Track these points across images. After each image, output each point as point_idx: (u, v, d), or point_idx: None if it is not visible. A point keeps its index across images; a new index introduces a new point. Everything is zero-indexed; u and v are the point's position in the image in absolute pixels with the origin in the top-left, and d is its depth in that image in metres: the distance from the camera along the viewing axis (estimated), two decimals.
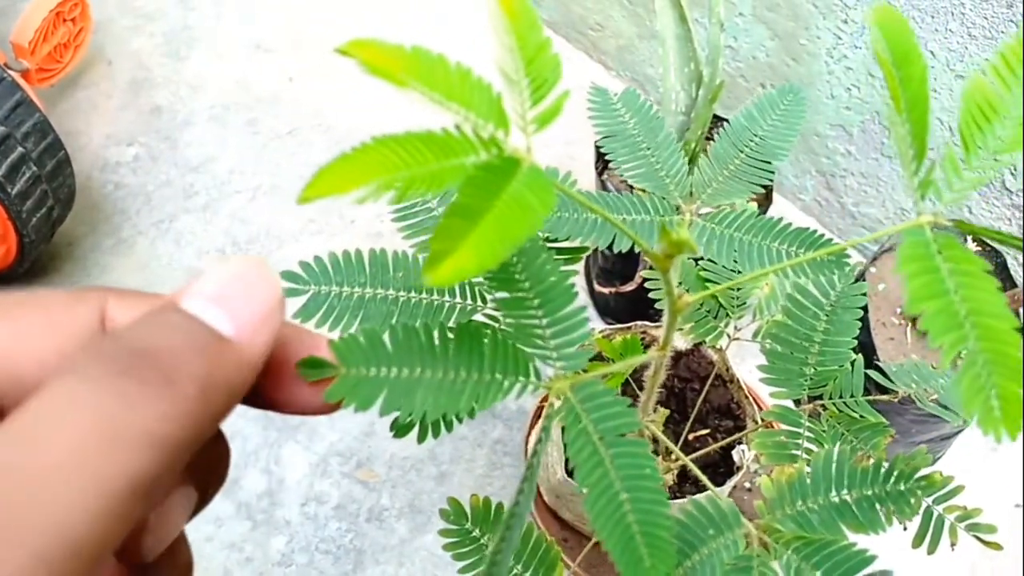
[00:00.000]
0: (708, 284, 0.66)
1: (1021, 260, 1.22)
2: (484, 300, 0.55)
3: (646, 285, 0.70)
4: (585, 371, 0.36)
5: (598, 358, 0.82)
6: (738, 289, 0.71)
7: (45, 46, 1.37)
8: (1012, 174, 1.14)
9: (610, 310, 1.33)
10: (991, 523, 0.54)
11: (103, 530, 0.21)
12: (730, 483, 0.85)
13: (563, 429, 0.36)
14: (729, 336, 0.73)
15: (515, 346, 0.34)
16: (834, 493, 0.48)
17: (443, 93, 0.26)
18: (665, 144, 0.61)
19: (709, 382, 0.94)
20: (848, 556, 0.45)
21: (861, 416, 0.63)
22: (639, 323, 0.94)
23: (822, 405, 0.64)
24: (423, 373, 0.31)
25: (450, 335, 0.32)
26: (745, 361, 1.16)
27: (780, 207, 1.46)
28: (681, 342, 0.97)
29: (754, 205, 0.60)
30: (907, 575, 0.56)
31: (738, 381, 0.95)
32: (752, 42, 1.34)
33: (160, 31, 1.68)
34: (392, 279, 0.54)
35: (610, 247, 0.56)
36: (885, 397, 0.67)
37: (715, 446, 0.88)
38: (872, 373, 0.67)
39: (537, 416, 1.07)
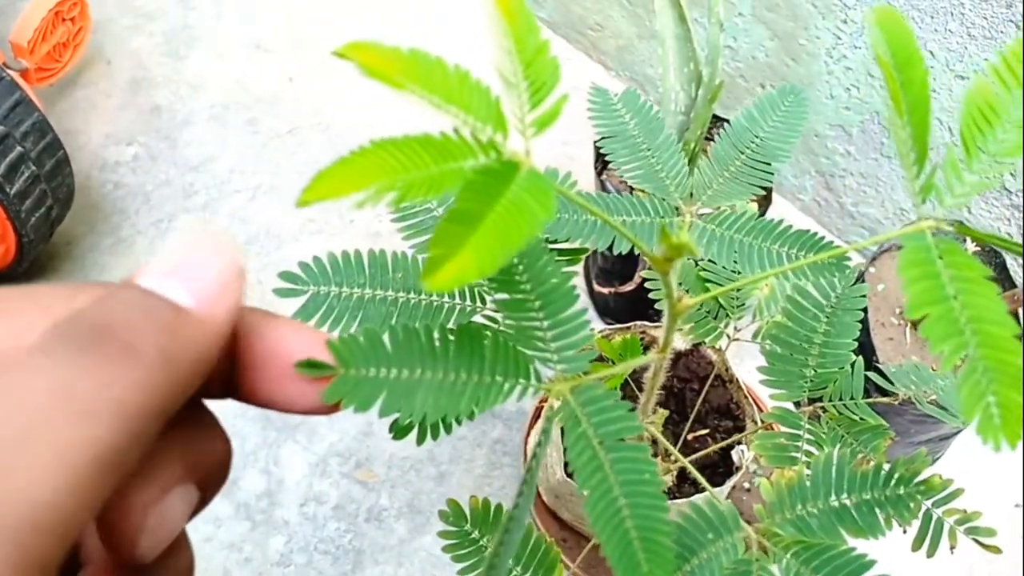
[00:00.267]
0: (708, 285, 0.66)
1: (1020, 261, 1.22)
2: (483, 301, 0.55)
3: (645, 285, 0.70)
4: (586, 373, 0.36)
5: (597, 359, 0.82)
6: (738, 290, 0.71)
7: (44, 45, 1.37)
8: (1012, 175, 1.14)
9: (609, 310, 1.33)
10: (990, 526, 0.54)
11: (70, 502, 0.21)
12: (729, 483, 0.85)
13: (562, 431, 0.35)
14: (729, 337, 0.73)
15: (516, 348, 0.34)
16: (834, 497, 0.48)
17: (441, 96, 0.26)
18: (665, 145, 0.61)
19: (708, 382, 0.94)
20: (848, 561, 0.44)
21: (861, 418, 0.62)
22: (638, 323, 0.94)
23: (822, 407, 0.63)
24: (423, 374, 0.31)
25: (450, 336, 0.32)
26: (744, 361, 1.16)
27: (779, 207, 1.45)
28: (680, 342, 0.97)
29: (754, 206, 0.60)
30: None
31: (737, 381, 0.95)
32: (751, 42, 1.34)
33: (160, 30, 1.68)
34: (391, 280, 0.54)
35: (610, 248, 0.56)
36: (886, 400, 0.67)
37: (714, 447, 0.88)
38: (872, 375, 0.67)
39: (536, 416, 1.07)
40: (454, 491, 1.22)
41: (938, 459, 1.20)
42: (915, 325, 1.11)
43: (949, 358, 0.27)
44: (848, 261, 0.57)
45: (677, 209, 0.59)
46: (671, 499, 0.85)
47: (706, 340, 0.71)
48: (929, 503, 0.52)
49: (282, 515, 1.20)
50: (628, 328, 0.93)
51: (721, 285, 0.64)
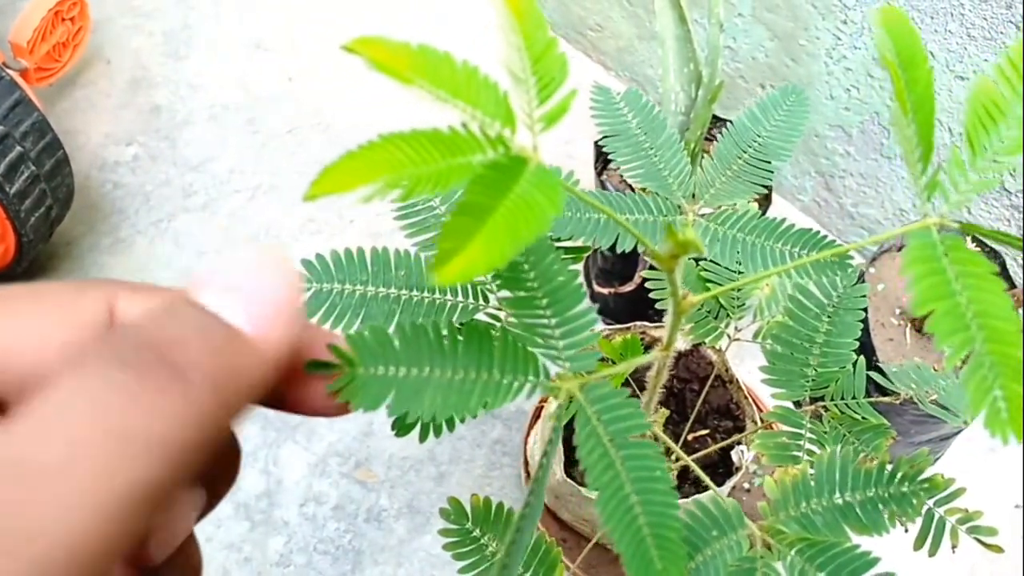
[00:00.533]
0: (709, 285, 0.66)
1: (1021, 260, 1.22)
2: (487, 299, 0.55)
3: (646, 285, 0.70)
4: (592, 372, 0.36)
5: (601, 359, 0.82)
6: (739, 289, 0.71)
7: (44, 45, 1.37)
8: (1012, 175, 1.14)
9: (609, 310, 1.33)
10: (992, 526, 0.54)
11: (107, 537, 0.20)
12: (729, 483, 0.85)
13: (555, 429, 0.35)
14: (729, 337, 0.73)
15: (524, 346, 0.33)
16: (838, 495, 0.48)
17: (449, 91, 0.26)
18: (668, 144, 0.61)
19: (708, 383, 0.94)
20: (852, 558, 0.44)
21: (863, 418, 0.62)
22: (638, 323, 0.94)
23: (823, 406, 0.63)
24: (432, 373, 0.31)
25: (459, 334, 0.32)
26: (744, 362, 1.16)
27: (779, 207, 1.46)
28: (680, 342, 0.97)
29: (754, 206, 0.60)
30: None
31: (737, 382, 0.95)
32: (751, 43, 1.34)
33: (159, 30, 1.68)
34: (394, 277, 0.54)
35: (611, 247, 0.56)
36: (887, 399, 0.67)
37: (715, 447, 0.88)
38: (872, 374, 0.67)
39: (536, 416, 1.07)
40: (454, 491, 1.22)
41: (938, 459, 1.20)
42: (915, 325, 1.11)
43: (955, 353, 0.27)
44: (850, 260, 0.57)
45: (679, 208, 0.59)
46: None
47: (706, 340, 0.71)
48: (931, 502, 0.52)
49: (282, 515, 1.20)
50: (628, 328, 0.93)
51: (721, 285, 0.64)
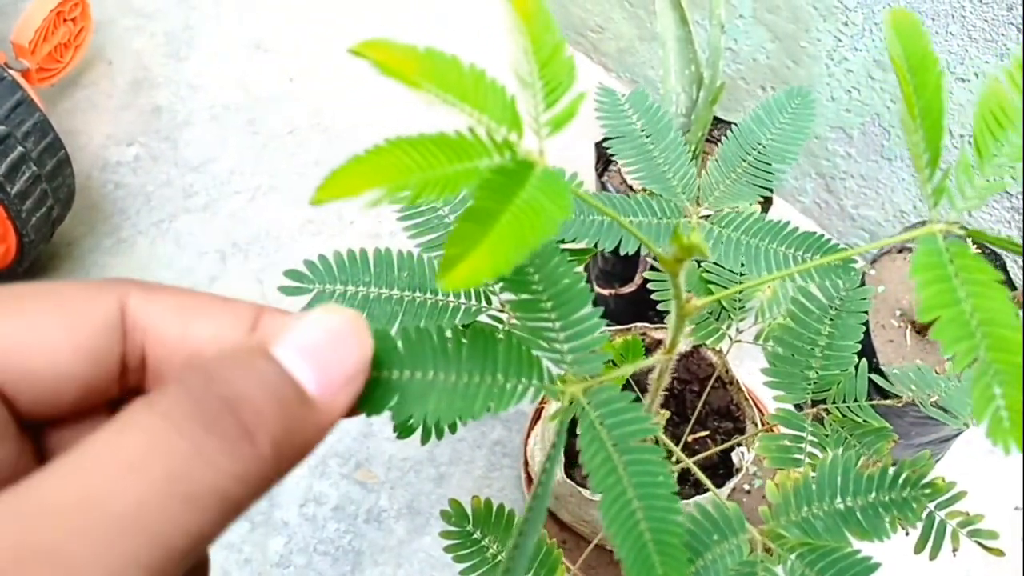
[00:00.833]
0: (711, 287, 0.66)
1: (1021, 263, 1.22)
2: (489, 301, 0.55)
3: (647, 287, 0.70)
4: (595, 375, 0.36)
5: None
6: (740, 292, 0.71)
7: (45, 46, 1.37)
8: (1012, 177, 1.14)
9: (610, 312, 1.33)
10: (992, 529, 0.54)
11: None
12: (729, 485, 0.85)
13: (559, 433, 0.35)
14: (730, 338, 0.73)
15: (528, 349, 0.33)
16: (839, 500, 0.48)
17: (456, 95, 0.26)
18: (673, 146, 0.61)
19: (709, 384, 0.94)
20: (853, 563, 0.44)
21: (864, 420, 0.62)
22: (639, 324, 0.94)
23: (825, 409, 0.63)
24: (436, 376, 0.31)
25: (463, 337, 0.32)
26: (744, 363, 1.16)
27: (780, 209, 1.46)
28: (681, 344, 0.97)
29: (756, 208, 0.60)
30: None
31: (738, 383, 0.95)
32: (752, 44, 1.34)
33: (160, 31, 1.68)
34: (397, 278, 0.54)
35: (613, 250, 0.56)
36: (889, 402, 0.67)
37: (715, 449, 0.88)
38: (873, 377, 0.67)
39: (536, 418, 1.07)
40: (453, 492, 1.21)
41: (938, 461, 1.20)
42: (915, 327, 1.11)
43: (960, 361, 0.27)
44: (854, 263, 0.57)
45: (682, 210, 0.59)
46: None
47: (707, 342, 0.70)
48: (932, 505, 0.52)
49: (281, 516, 1.20)
50: (629, 330, 0.93)
51: (724, 287, 0.64)
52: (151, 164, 1.51)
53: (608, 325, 1.30)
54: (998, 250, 1.14)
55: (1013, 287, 1.13)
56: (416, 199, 0.24)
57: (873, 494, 0.48)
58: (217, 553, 1.17)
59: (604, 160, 1.20)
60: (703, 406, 0.97)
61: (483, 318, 0.54)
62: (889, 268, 1.15)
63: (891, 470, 0.49)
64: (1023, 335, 0.27)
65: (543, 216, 0.24)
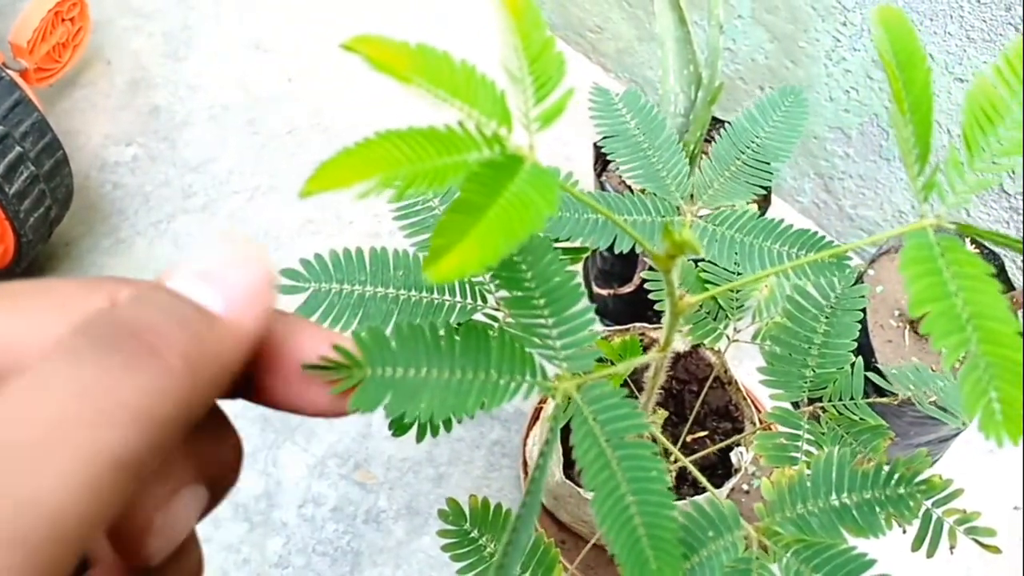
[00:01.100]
0: (708, 285, 0.66)
1: (1020, 263, 1.22)
2: (485, 299, 0.55)
3: (645, 287, 0.70)
4: (589, 372, 0.36)
5: (598, 360, 0.82)
6: (737, 291, 0.71)
7: (44, 45, 1.37)
8: (1011, 177, 1.15)
9: (608, 312, 1.33)
10: (990, 526, 0.54)
11: (85, 511, 0.20)
12: (728, 485, 0.85)
13: (563, 430, 0.35)
14: (728, 338, 0.73)
15: (521, 346, 0.33)
16: (834, 496, 0.48)
17: (447, 90, 0.26)
18: (667, 145, 0.61)
19: (707, 384, 0.94)
20: (848, 560, 0.44)
21: (861, 419, 0.62)
22: (638, 325, 0.94)
23: (822, 407, 0.63)
24: (429, 373, 0.31)
25: (456, 334, 0.32)
26: (743, 363, 1.16)
27: (778, 209, 1.46)
28: (680, 344, 0.97)
29: (754, 207, 0.60)
30: None
31: (736, 383, 0.95)
32: (751, 44, 1.34)
33: (159, 31, 1.68)
34: (392, 277, 0.54)
35: (610, 248, 0.56)
36: (885, 400, 0.67)
37: (713, 448, 0.88)
38: (871, 376, 0.67)
39: (535, 418, 1.07)
40: (452, 492, 1.21)
41: (937, 461, 1.20)
42: (914, 327, 1.11)
43: (951, 354, 0.27)
44: (848, 261, 0.57)
45: (678, 209, 0.59)
46: None
47: (705, 341, 0.70)
48: (929, 503, 0.52)
49: (280, 516, 1.20)
50: (627, 330, 0.93)
51: (720, 286, 0.64)
52: (150, 164, 1.51)
53: (607, 325, 1.31)
54: (996, 250, 1.14)
55: (1012, 287, 1.13)
56: (405, 191, 0.24)
57: (868, 491, 0.48)
58: (216, 554, 1.17)
59: (602, 160, 1.20)
60: (702, 406, 0.97)
61: (478, 316, 0.55)
62: (888, 268, 1.15)
63: (885, 467, 0.49)
64: (1014, 329, 0.27)
65: (531, 210, 0.24)
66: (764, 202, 1.19)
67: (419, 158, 0.24)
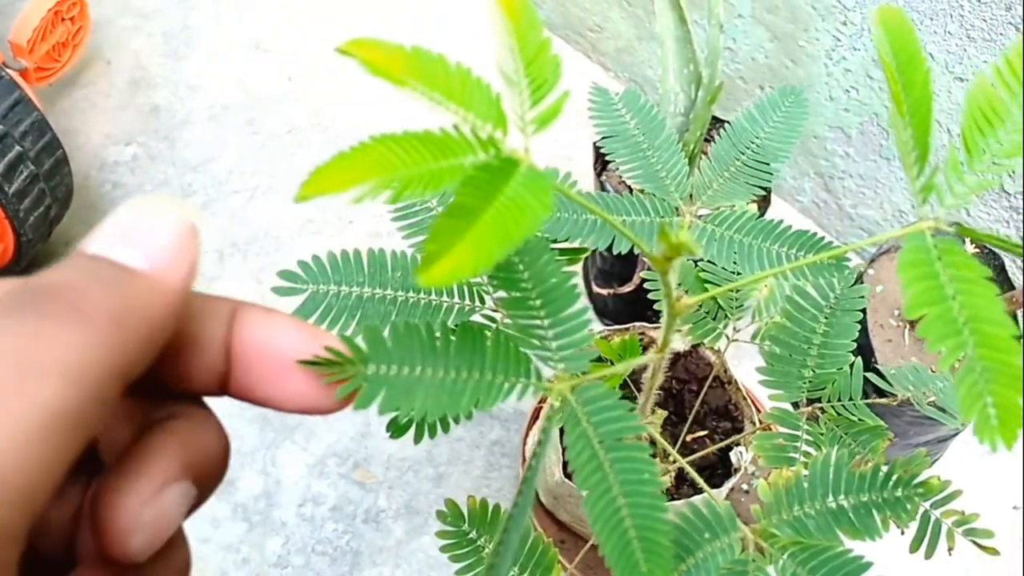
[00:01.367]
0: (708, 286, 0.66)
1: (1019, 263, 1.22)
2: (483, 300, 0.55)
3: (645, 287, 0.70)
4: (585, 373, 0.36)
5: (597, 359, 0.82)
6: (737, 291, 0.71)
7: (43, 45, 1.37)
8: (1011, 177, 1.14)
9: (608, 312, 1.33)
10: (988, 528, 0.54)
11: (27, 470, 0.20)
12: (727, 485, 0.85)
13: (561, 431, 0.35)
14: (728, 338, 0.73)
15: (516, 346, 0.33)
16: (831, 498, 0.48)
17: (442, 93, 0.26)
18: (666, 145, 0.61)
19: (707, 384, 0.94)
20: (844, 562, 0.44)
21: (860, 419, 0.62)
22: (637, 324, 0.94)
23: (821, 408, 0.63)
24: (423, 372, 0.31)
25: (451, 334, 0.32)
26: (743, 363, 1.16)
27: (778, 209, 1.45)
28: (679, 343, 0.97)
29: (753, 207, 0.60)
30: None
31: (736, 383, 0.94)
32: (751, 44, 1.34)
33: (159, 30, 1.68)
34: (391, 279, 0.54)
35: (609, 248, 0.56)
36: (884, 400, 0.67)
37: (713, 448, 0.88)
38: (870, 376, 0.67)
39: (535, 418, 1.07)
40: (452, 492, 1.21)
41: (936, 461, 1.20)
42: (914, 327, 1.11)
43: (947, 358, 0.27)
44: (847, 261, 0.57)
45: (677, 209, 0.59)
46: (669, 501, 0.85)
47: (705, 341, 0.70)
48: (927, 504, 0.52)
49: (280, 516, 1.20)
50: (627, 329, 0.93)
51: (720, 286, 0.64)
52: (149, 164, 1.51)
53: (606, 325, 1.31)
54: (996, 250, 1.14)
55: (1012, 287, 1.13)
56: (400, 196, 0.24)
57: (865, 493, 0.48)
58: (215, 553, 1.17)
59: (602, 160, 1.20)
60: (701, 405, 0.97)
61: (477, 318, 0.54)
62: (887, 268, 1.15)
63: (883, 469, 0.49)
64: (1010, 333, 0.27)
65: (526, 213, 0.24)
66: (764, 202, 1.19)
67: (414, 162, 0.24)
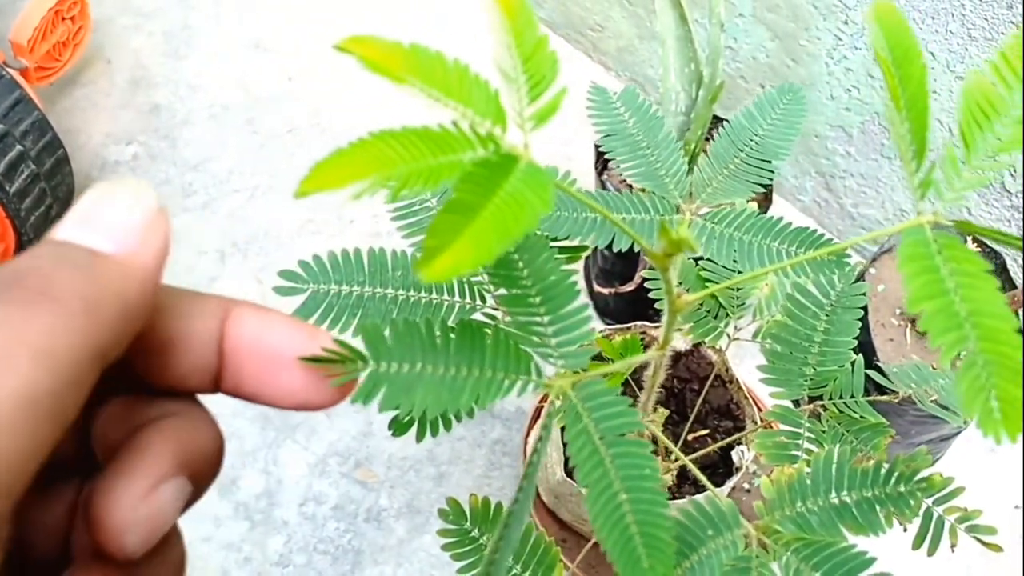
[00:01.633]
0: (708, 284, 0.66)
1: (1021, 261, 1.22)
2: (484, 299, 0.55)
3: (646, 286, 0.70)
4: (586, 370, 0.36)
5: (598, 358, 0.82)
6: (738, 289, 0.71)
7: (44, 44, 1.37)
8: (1012, 175, 1.14)
9: (609, 311, 1.33)
10: (991, 525, 0.54)
11: (3, 454, 0.20)
12: (729, 484, 0.85)
13: (562, 429, 0.35)
14: (729, 336, 0.73)
15: (516, 344, 0.33)
16: (834, 494, 0.48)
17: (441, 89, 0.26)
18: (665, 143, 0.61)
19: (709, 383, 0.94)
20: (847, 558, 0.44)
21: (861, 417, 0.62)
22: (639, 323, 0.94)
23: (822, 405, 0.63)
24: (423, 369, 0.31)
25: (451, 332, 0.32)
26: (744, 361, 1.16)
27: (779, 208, 1.45)
28: (681, 342, 0.97)
29: (754, 205, 0.60)
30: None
31: (737, 382, 0.94)
32: (752, 43, 1.34)
33: (159, 30, 1.68)
34: (391, 278, 0.54)
35: (609, 247, 0.56)
36: (885, 398, 0.67)
37: (714, 446, 0.88)
38: (872, 374, 0.67)
39: (536, 416, 1.07)
40: (453, 491, 1.21)
41: (938, 459, 1.20)
42: (916, 325, 1.11)
43: (949, 352, 0.27)
44: (847, 258, 0.57)
45: (677, 207, 0.59)
46: (671, 499, 0.85)
47: (706, 340, 0.70)
48: (930, 501, 0.52)
49: (281, 515, 1.20)
50: (628, 328, 0.93)
51: (721, 284, 0.64)
52: (150, 163, 1.51)
53: (608, 324, 1.31)
54: (998, 248, 1.14)
55: (1014, 286, 1.13)
56: (399, 192, 0.24)
57: (868, 489, 0.48)
58: (216, 552, 1.17)
59: (603, 159, 1.20)
60: (703, 404, 0.97)
61: (478, 316, 0.54)
62: (889, 266, 1.15)
63: (885, 465, 0.49)
64: (1012, 326, 0.27)
65: (526, 209, 0.24)
66: (765, 200, 1.19)
67: (413, 158, 0.24)
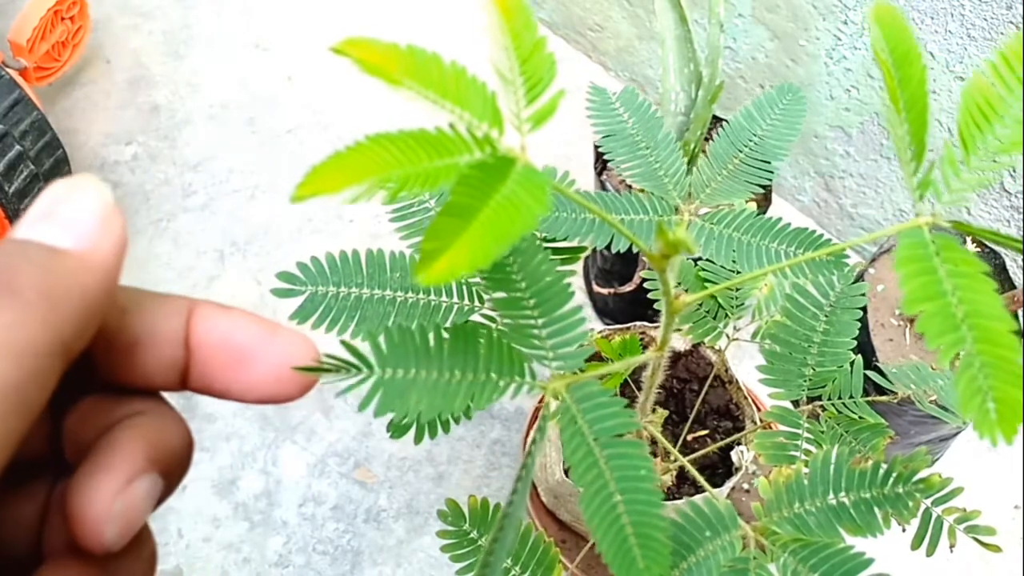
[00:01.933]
0: (707, 284, 0.66)
1: (1020, 262, 1.22)
2: (481, 300, 0.55)
3: (645, 286, 0.70)
4: (582, 371, 0.36)
5: (596, 358, 0.82)
6: (737, 289, 0.71)
7: (43, 44, 1.37)
8: (1011, 176, 1.14)
9: (609, 311, 1.33)
10: (990, 525, 0.54)
11: None
12: (728, 484, 0.85)
13: (541, 428, 0.35)
14: (728, 337, 0.73)
15: (511, 346, 0.33)
16: (832, 495, 0.48)
17: (437, 92, 0.26)
18: (664, 144, 0.61)
19: (708, 383, 0.94)
20: (845, 559, 0.44)
21: (860, 417, 0.62)
22: (638, 324, 0.94)
23: (821, 406, 0.63)
24: (418, 374, 0.31)
25: (445, 336, 0.32)
26: (743, 362, 1.16)
27: (779, 208, 1.45)
28: (680, 343, 0.97)
29: (753, 206, 0.60)
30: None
31: (737, 382, 0.94)
32: (752, 43, 1.34)
33: (159, 30, 1.68)
34: (389, 279, 0.54)
35: (608, 247, 0.56)
36: (884, 398, 0.67)
37: (713, 447, 0.88)
38: (871, 374, 0.67)
39: (535, 417, 1.07)
40: (452, 492, 1.21)
41: (938, 460, 1.20)
42: (915, 325, 1.11)
43: (946, 353, 0.27)
44: (846, 258, 0.57)
45: (676, 208, 0.59)
46: (670, 500, 0.85)
47: (705, 340, 0.70)
48: (928, 502, 0.52)
49: (280, 515, 1.20)
50: (628, 329, 0.93)
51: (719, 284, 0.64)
52: (149, 163, 1.51)
53: (607, 324, 1.31)
54: (997, 248, 1.14)
55: (1013, 286, 1.13)
56: (397, 195, 0.24)
57: (866, 490, 0.48)
58: (215, 553, 1.17)
59: (603, 159, 1.20)
60: (702, 405, 0.97)
61: (476, 318, 0.54)
62: (889, 267, 1.15)
63: (883, 466, 0.48)
64: (1009, 327, 0.27)
65: (523, 211, 0.23)
66: (764, 201, 1.19)
67: (410, 161, 0.24)
